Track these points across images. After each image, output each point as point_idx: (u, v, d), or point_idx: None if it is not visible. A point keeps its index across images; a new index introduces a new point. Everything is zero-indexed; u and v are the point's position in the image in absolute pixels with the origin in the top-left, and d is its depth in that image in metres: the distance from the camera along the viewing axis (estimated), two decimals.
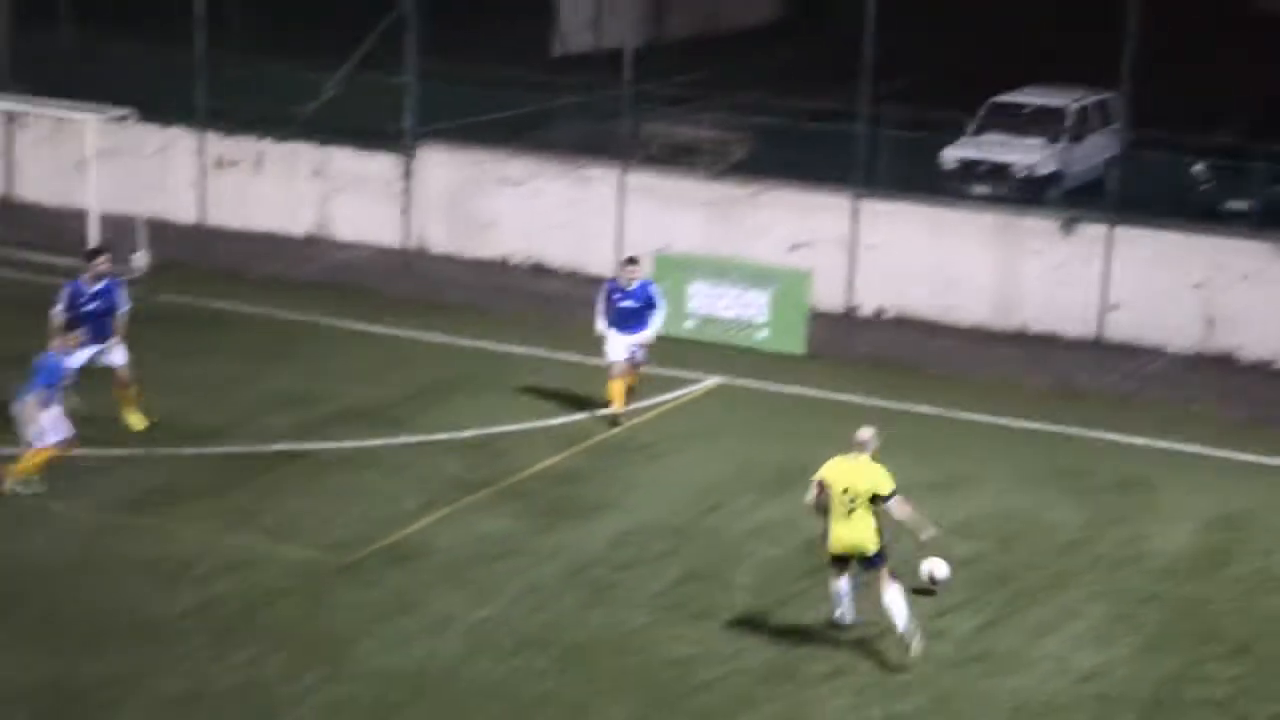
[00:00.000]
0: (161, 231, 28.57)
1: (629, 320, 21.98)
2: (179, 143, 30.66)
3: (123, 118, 28.29)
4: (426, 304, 27.05)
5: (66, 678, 14.94)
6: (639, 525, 18.92)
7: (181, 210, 30.67)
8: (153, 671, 15.13)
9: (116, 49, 30.44)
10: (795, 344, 25.76)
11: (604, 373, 22.17)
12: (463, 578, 17.36)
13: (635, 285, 22.13)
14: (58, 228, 27.36)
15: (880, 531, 16.02)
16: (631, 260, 22.54)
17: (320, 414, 21.74)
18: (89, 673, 15.03)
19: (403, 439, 21.03)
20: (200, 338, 24.66)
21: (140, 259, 27.69)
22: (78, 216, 27.86)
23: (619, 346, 22.01)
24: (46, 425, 18.84)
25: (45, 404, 18.86)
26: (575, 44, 38.59)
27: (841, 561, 16.21)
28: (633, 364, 22.16)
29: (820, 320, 26.06)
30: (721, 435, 21.98)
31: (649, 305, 22.11)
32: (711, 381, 24.02)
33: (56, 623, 15.92)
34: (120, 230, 27.38)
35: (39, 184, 29.59)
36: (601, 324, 22.12)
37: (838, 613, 16.45)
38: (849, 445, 16.09)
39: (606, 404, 22.12)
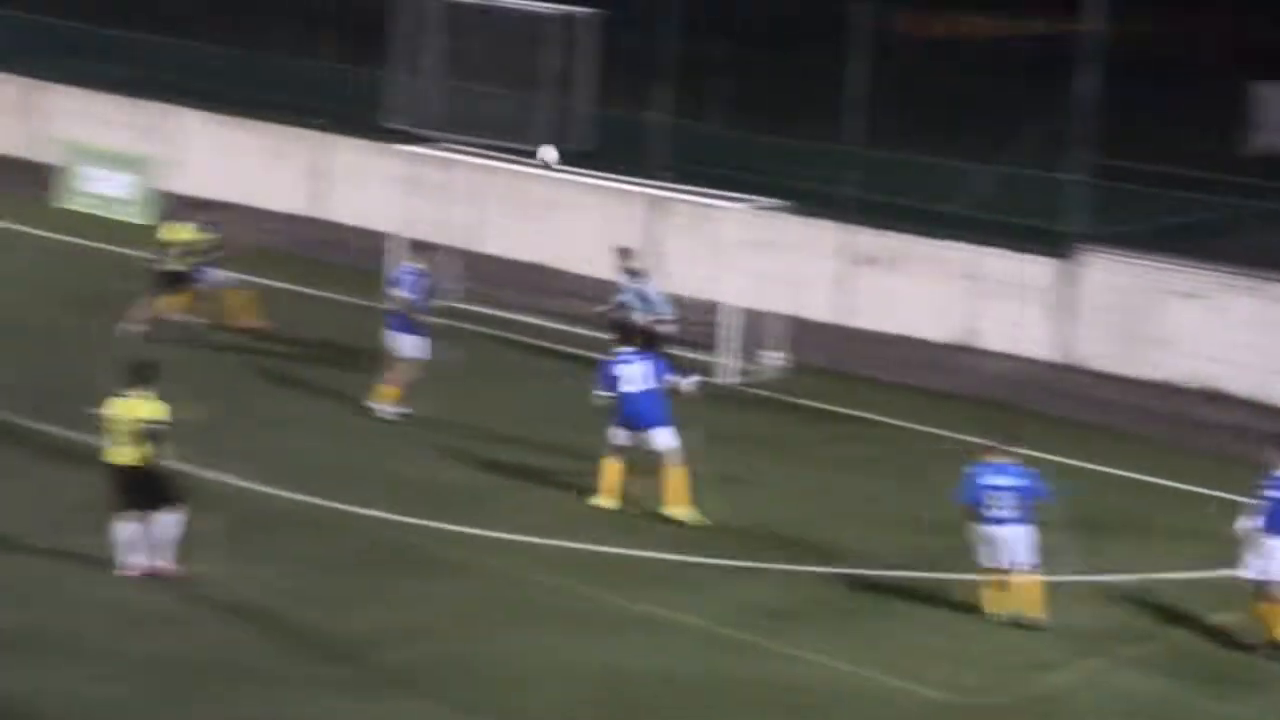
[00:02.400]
0: (798, 329, 26.82)
1: None
2: (819, 236, 29.00)
3: (770, 208, 26.75)
4: (1079, 426, 24.75)
5: None
6: None
7: (819, 307, 28.92)
8: None
9: (760, 139, 29.83)
10: None
11: None
12: None
13: None
14: (688, 319, 25.81)
15: None
16: None
17: (946, 542, 19.22)
18: None
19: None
20: (826, 445, 23.37)
21: (776, 358, 26.08)
22: (711, 309, 26.19)
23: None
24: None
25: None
26: (1272, 142, 35.01)
27: None
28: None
29: None
30: None
31: None
32: None
33: None
34: (755, 326, 25.93)
35: (677, 272, 28.22)
36: (1252, 525, 17.30)
37: None
38: None
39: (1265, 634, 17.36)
